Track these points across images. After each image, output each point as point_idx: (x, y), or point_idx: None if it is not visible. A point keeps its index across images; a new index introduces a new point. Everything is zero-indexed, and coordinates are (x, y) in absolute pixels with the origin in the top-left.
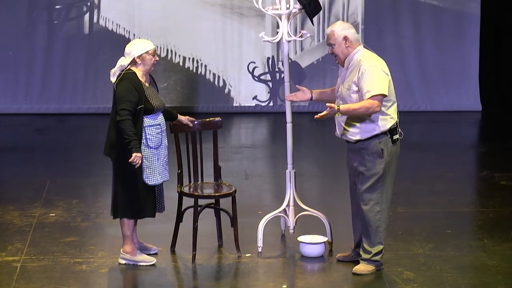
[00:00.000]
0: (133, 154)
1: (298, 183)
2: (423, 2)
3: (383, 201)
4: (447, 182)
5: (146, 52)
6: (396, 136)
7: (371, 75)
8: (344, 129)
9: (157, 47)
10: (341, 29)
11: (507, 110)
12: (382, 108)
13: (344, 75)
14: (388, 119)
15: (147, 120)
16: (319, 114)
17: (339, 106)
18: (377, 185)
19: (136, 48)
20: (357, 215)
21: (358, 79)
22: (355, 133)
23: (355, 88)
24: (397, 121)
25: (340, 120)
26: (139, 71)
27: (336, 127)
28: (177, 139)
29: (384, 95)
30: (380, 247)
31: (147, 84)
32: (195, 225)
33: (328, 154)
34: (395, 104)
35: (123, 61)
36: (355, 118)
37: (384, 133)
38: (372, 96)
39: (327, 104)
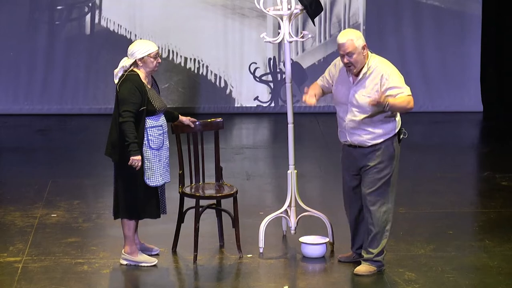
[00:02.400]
0: (131, 158)
1: (300, 184)
2: (424, 2)
3: (390, 201)
4: (449, 182)
5: (148, 55)
6: (401, 136)
7: (397, 77)
8: (360, 136)
9: (159, 47)
10: (358, 38)
11: (509, 110)
12: None
13: (354, 83)
14: (398, 120)
15: (149, 121)
16: (371, 100)
17: (387, 100)
18: (386, 185)
19: (138, 50)
20: (358, 218)
21: (383, 85)
22: (372, 138)
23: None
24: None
25: (349, 129)
26: (142, 73)
27: (346, 136)
28: (178, 140)
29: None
30: (383, 247)
31: (149, 86)
32: (196, 226)
33: (329, 154)
34: None
35: (125, 62)
36: (370, 123)
37: (396, 134)
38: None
39: (374, 100)
